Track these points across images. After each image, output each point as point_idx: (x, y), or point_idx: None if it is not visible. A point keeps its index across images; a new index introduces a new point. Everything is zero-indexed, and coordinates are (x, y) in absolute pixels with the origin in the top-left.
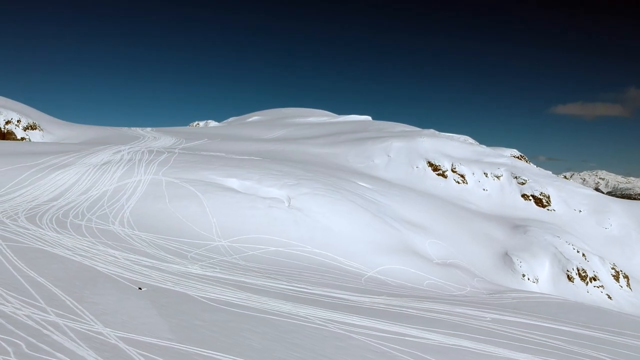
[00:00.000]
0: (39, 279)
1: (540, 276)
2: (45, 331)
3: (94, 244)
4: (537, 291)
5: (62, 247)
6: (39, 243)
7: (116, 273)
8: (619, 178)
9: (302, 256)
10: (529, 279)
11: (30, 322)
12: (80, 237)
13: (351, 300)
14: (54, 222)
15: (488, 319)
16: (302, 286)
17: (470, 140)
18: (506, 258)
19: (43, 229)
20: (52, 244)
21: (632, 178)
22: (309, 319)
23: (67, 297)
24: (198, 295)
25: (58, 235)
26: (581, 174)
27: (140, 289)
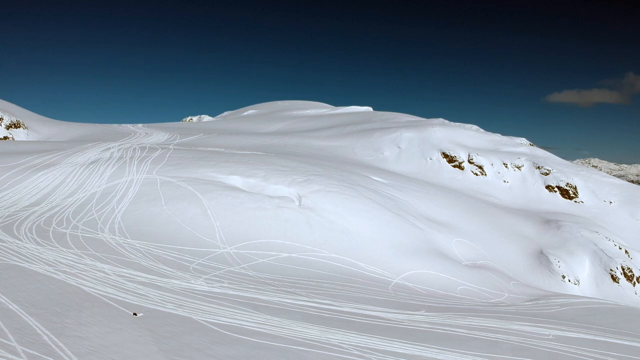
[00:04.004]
0: (10, 306)
1: (580, 277)
2: None
3: (80, 257)
4: (582, 295)
5: (42, 262)
6: (15, 258)
7: (106, 294)
8: (612, 165)
9: (318, 263)
10: (569, 281)
11: None
12: (64, 249)
13: (386, 319)
14: (33, 232)
15: (550, 336)
16: (326, 302)
17: (481, 130)
18: (542, 257)
19: (21, 240)
20: (30, 258)
21: (625, 165)
22: (343, 348)
23: (44, 330)
24: (206, 321)
25: (38, 247)
26: (574, 162)
27: (135, 314)
